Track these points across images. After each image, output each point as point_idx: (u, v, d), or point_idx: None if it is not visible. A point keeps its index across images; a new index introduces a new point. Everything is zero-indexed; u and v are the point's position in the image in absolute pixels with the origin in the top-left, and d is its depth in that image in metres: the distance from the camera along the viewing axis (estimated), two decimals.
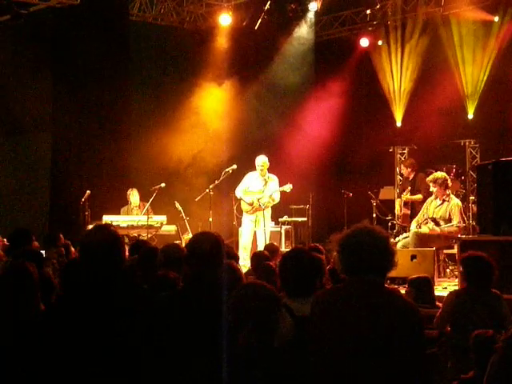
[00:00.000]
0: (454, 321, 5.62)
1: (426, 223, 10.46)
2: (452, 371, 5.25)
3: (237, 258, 6.83)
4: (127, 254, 6.57)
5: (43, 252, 7.25)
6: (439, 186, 10.43)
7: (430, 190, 10.62)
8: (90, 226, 3.70)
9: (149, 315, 3.48)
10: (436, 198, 10.54)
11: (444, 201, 10.45)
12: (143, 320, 3.43)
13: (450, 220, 10.33)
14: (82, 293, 3.48)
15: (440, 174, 10.59)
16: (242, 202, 11.73)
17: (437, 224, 10.32)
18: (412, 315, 3.27)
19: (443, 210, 10.40)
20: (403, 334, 3.18)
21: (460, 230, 10.28)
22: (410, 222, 11.06)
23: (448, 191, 10.51)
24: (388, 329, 3.17)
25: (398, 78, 14.83)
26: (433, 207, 10.52)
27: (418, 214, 10.80)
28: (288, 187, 11.58)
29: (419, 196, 11.53)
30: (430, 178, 10.61)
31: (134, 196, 12.33)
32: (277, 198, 11.65)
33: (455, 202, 10.45)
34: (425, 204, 10.76)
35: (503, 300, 5.69)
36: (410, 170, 12.04)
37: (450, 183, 10.57)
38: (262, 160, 11.65)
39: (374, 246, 3.31)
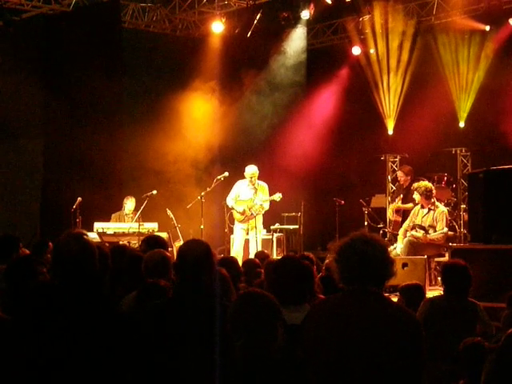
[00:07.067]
0: (428, 328, 5.60)
1: (412, 229, 10.49)
2: (433, 380, 5.22)
3: (239, 270, 6.54)
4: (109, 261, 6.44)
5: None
6: (421, 195, 10.46)
7: (414, 197, 10.66)
8: (64, 234, 3.63)
9: (115, 327, 3.39)
10: (422, 206, 10.60)
11: (430, 209, 10.49)
12: (109, 333, 3.35)
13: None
14: (50, 302, 3.42)
15: (423, 184, 10.59)
16: (233, 212, 11.72)
17: (426, 232, 10.35)
18: (412, 325, 3.22)
19: (430, 218, 10.44)
20: (403, 344, 3.14)
21: (445, 236, 10.32)
22: None
23: (433, 199, 10.55)
24: (388, 339, 3.14)
25: (389, 86, 14.85)
26: (420, 216, 10.57)
27: (405, 222, 10.84)
28: (278, 196, 11.56)
29: (410, 205, 11.47)
30: (415, 185, 10.65)
31: (129, 204, 12.34)
32: (266, 207, 11.65)
33: (441, 209, 10.49)
34: (412, 212, 10.81)
35: (481, 308, 5.69)
36: (407, 177, 12.01)
37: (434, 193, 10.59)
38: (251, 170, 11.62)
39: (372, 255, 3.23)
